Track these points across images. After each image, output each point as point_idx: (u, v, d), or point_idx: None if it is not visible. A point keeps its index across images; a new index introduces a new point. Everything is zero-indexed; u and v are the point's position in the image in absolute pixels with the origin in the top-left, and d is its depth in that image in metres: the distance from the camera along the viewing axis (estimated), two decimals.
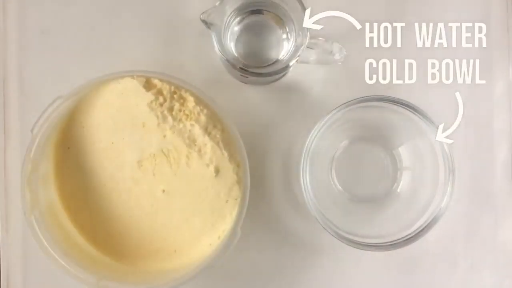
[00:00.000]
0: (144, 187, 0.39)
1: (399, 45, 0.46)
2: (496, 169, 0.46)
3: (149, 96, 0.39)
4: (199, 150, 0.39)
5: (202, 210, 0.39)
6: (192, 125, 0.39)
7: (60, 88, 0.45)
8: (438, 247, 0.45)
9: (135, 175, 0.39)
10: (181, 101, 0.39)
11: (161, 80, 0.39)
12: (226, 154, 0.39)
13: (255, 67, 0.43)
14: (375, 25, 0.46)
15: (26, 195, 0.36)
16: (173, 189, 0.39)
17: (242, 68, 0.40)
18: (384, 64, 0.46)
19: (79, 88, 0.38)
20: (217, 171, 0.39)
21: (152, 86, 0.39)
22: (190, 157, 0.39)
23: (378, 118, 0.44)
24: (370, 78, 0.46)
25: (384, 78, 0.46)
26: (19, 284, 0.44)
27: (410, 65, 0.46)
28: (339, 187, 0.45)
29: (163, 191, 0.39)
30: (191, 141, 0.39)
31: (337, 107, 0.40)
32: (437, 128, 0.40)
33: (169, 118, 0.39)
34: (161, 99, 0.39)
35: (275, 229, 0.45)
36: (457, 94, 0.46)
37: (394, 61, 0.46)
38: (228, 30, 0.43)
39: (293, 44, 0.42)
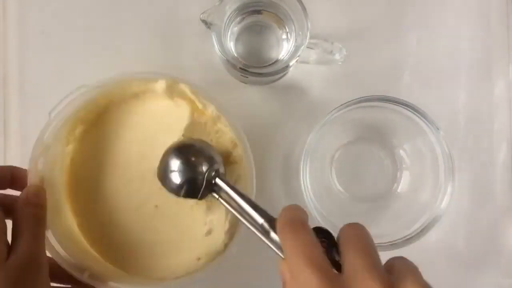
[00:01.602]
0: (144, 197, 0.39)
1: (399, 45, 0.46)
2: (496, 169, 0.46)
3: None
4: (208, 208, 0.38)
5: (183, 247, 0.39)
6: None
7: (60, 88, 0.45)
8: (438, 247, 0.45)
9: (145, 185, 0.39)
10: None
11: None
12: (227, 226, 0.38)
13: (255, 67, 0.43)
14: (375, 25, 0.46)
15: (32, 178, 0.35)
16: (166, 214, 0.39)
17: (242, 68, 0.40)
18: (384, 64, 0.46)
19: (106, 80, 0.37)
20: (208, 233, 0.38)
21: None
22: (197, 207, 0.39)
23: (378, 118, 0.44)
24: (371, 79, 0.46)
25: (384, 78, 0.46)
26: None
27: (410, 65, 0.46)
28: (339, 187, 0.45)
29: (156, 206, 0.39)
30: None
31: (337, 107, 0.40)
32: (437, 128, 0.40)
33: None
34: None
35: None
36: (457, 94, 0.46)
37: (394, 62, 0.46)
38: (228, 30, 0.43)
39: (293, 44, 0.42)
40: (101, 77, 0.37)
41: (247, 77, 0.42)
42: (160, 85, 0.38)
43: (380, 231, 0.42)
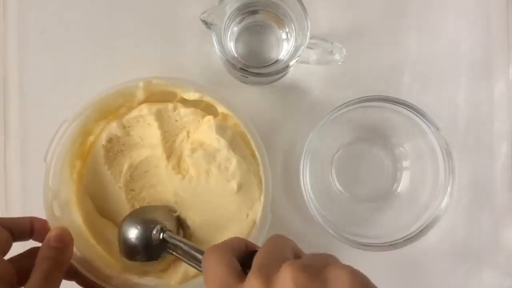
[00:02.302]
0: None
1: (399, 45, 0.46)
2: (496, 169, 0.46)
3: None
4: (219, 166, 0.38)
5: (220, 226, 0.40)
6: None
7: (59, 88, 0.45)
8: (438, 247, 0.45)
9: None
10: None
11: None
12: (251, 168, 0.38)
13: (255, 67, 0.43)
14: (375, 25, 0.46)
15: (54, 222, 0.36)
16: (189, 204, 0.40)
17: (242, 68, 0.40)
18: (384, 64, 0.46)
19: (83, 108, 0.38)
20: (239, 187, 0.38)
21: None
22: (210, 174, 0.39)
23: (378, 118, 0.44)
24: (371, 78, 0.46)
25: (384, 78, 0.46)
26: None
27: (410, 65, 0.46)
28: (339, 187, 0.45)
29: (175, 202, 0.40)
30: (211, 158, 0.38)
31: (337, 107, 0.40)
32: (437, 128, 0.40)
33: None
34: None
35: (275, 229, 0.45)
36: (457, 94, 0.46)
37: (394, 62, 0.46)
38: (228, 30, 0.43)
39: (293, 44, 0.42)
40: (78, 106, 0.38)
41: (247, 77, 0.42)
42: (140, 92, 0.39)
43: (380, 231, 0.42)
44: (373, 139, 0.45)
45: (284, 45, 0.44)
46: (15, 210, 0.44)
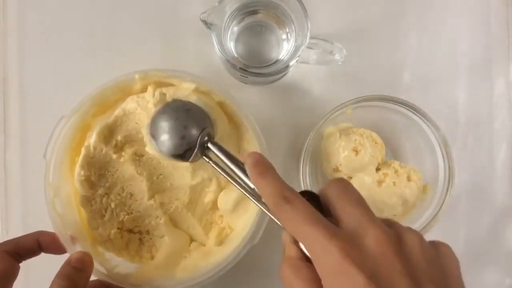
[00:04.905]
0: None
1: (398, 45, 0.46)
2: (496, 169, 0.46)
3: None
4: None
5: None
6: None
7: (60, 88, 0.45)
8: None
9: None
10: None
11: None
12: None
13: (255, 67, 0.43)
14: (374, 25, 0.46)
15: (56, 219, 0.36)
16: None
17: (242, 68, 0.40)
18: (384, 64, 0.46)
19: (80, 103, 0.37)
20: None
21: None
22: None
23: (378, 118, 0.44)
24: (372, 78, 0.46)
25: (383, 78, 0.46)
26: (19, 284, 0.44)
27: (410, 65, 0.46)
28: None
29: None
30: None
31: (337, 107, 0.40)
32: (437, 128, 0.40)
33: None
34: None
35: (275, 228, 0.45)
36: (457, 94, 0.46)
37: (394, 62, 0.46)
38: (228, 30, 0.43)
39: (293, 44, 0.42)
40: (75, 101, 0.37)
41: (247, 77, 0.42)
42: (137, 85, 0.38)
43: None
44: None
45: (284, 45, 0.44)
46: (15, 209, 0.44)
